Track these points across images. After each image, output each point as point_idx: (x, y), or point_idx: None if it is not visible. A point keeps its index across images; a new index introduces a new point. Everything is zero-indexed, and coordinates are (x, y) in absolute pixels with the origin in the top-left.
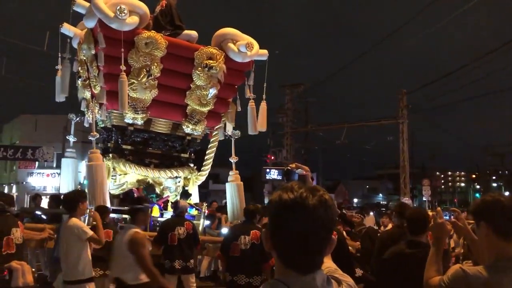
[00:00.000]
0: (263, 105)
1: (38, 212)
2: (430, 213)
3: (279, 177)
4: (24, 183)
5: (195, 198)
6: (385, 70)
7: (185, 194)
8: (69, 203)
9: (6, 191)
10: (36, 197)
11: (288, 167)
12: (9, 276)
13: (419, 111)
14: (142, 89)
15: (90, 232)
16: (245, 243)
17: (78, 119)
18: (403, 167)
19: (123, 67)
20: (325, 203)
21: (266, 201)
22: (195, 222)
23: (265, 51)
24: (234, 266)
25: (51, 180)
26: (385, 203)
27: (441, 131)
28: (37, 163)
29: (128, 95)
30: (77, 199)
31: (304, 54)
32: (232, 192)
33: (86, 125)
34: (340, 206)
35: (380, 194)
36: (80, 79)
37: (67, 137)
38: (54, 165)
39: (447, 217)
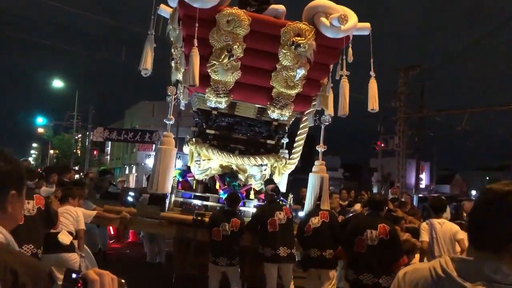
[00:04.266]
0: (372, 82)
1: (131, 193)
2: None
3: None
4: (143, 164)
5: (282, 188)
6: None
7: (269, 183)
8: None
9: (127, 171)
10: (149, 177)
11: None
12: None
13: None
14: (223, 70)
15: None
16: (372, 238)
17: (175, 102)
18: None
19: (195, 42)
20: None
21: (374, 190)
22: None
23: (366, 24)
24: (360, 263)
25: None
26: None
27: None
28: (154, 146)
29: (210, 77)
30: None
31: (420, 35)
32: (315, 184)
33: (182, 108)
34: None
35: None
36: (173, 61)
37: (164, 121)
38: None
39: None
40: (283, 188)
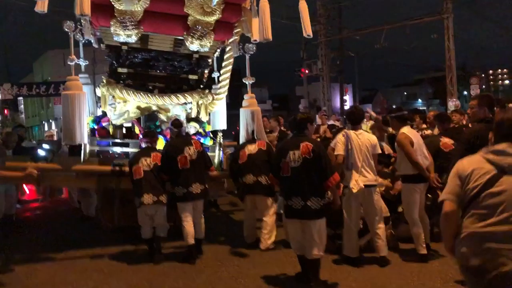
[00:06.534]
0: (302, 4)
1: (45, 146)
2: None
3: None
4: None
5: (222, 125)
6: None
7: (197, 122)
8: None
9: (46, 128)
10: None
11: None
12: None
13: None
14: None
15: None
16: (294, 160)
17: (84, 41)
18: (449, 66)
19: None
20: None
21: None
22: (210, 154)
23: None
24: (288, 187)
25: None
26: (425, 108)
27: (479, 29)
28: None
29: (113, 7)
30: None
31: None
32: (248, 120)
33: (95, 45)
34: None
35: (419, 100)
36: None
37: (68, 62)
38: None
39: None
40: (223, 125)
